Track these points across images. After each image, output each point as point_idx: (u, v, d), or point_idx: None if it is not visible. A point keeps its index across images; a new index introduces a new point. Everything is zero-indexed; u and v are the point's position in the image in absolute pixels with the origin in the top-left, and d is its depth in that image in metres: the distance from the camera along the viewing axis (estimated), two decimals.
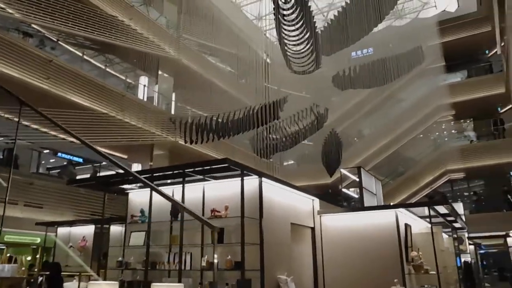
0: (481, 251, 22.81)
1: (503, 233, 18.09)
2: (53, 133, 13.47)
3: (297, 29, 12.00)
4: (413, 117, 24.42)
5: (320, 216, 7.10)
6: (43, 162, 17.40)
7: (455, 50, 23.01)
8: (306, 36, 12.25)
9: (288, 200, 6.38)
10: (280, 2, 11.54)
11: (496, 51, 23.14)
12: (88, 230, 10.36)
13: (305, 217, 6.88)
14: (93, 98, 13.61)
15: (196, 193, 5.73)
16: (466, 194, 26.08)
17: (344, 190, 12.05)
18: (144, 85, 16.93)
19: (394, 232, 6.53)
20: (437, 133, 27.14)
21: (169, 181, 5.96)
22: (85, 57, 17.94)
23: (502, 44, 20.01)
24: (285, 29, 12.02)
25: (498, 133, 22.84)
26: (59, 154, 16.79)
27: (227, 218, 5.34)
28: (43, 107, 11.96)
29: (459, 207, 14.87)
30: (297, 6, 11.66)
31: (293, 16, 11.76)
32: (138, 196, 6.45)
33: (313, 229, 7.06)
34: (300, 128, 15.35)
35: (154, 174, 5.69)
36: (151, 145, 16.72)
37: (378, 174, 26.46)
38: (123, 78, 19.43)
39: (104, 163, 19.38)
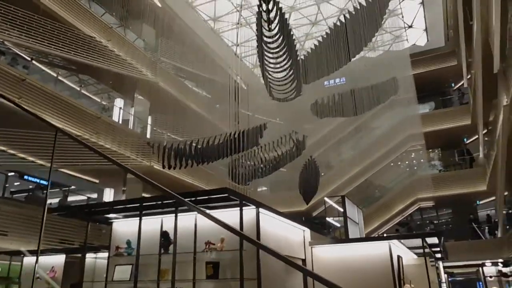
0: (450, 279, 23.16)
1: (479, 262, 18.39)
2: (21, 155, 12.83)
3: (280, 56, 12.08)
4: (384, 145, 24.99)
5: (312, 247, 6.93)
6: (6, 185, 16.43)
7: (423, 82, 23.90)
8: (288, 64, 12.35)
9: (280, 231, 6.19)
10: (264, 30, 11.62)
11: (463, 84, 24.25)
12: (58, 260, 9.71)
13: (296, 249, 6.68)
14: (67, 120, 13.09)
15: (188, 222, 5.42)
16: (435, 222, 26.63)
17: (327, 219, 11.95)
18: (120, 108, 16.48)
19: (388, 263, 6.44)
20: (406, 162, 27.81)
21: (158, 209, 5.64)
22: (59, 77, 17.43)
23: (469, 76, 20.99)
24: (268, 56, 12.07)
25: (465, 163, 23.62)
26: (25, 176, 15.91)
27: (223, 252, 5.07)
28: (13, 127, 11.44)
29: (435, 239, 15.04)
30: (281, 34, 11.78)
31: (276, 43, 11.86)
32: (123, 226, 6.06)
33: (304, 260, 6.86)
34: (279, 155, 15.30)
35: (143, 204, 5.37)
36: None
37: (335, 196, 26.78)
38: (98, 100, 18.93)
39: (73, 187, 18.57)
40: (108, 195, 15.69)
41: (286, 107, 20.29)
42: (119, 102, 16.98)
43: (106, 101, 19.38)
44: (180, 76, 20.60)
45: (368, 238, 7.85)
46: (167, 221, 5.54)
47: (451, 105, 25.65)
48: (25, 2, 12.37)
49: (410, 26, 21.42)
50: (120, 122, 16.57)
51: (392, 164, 26.08)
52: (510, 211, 19.24)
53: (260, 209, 5.23)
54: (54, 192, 16.77)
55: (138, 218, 5.56)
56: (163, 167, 12.50)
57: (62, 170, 15.16)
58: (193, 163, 12.81)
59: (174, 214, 5.31)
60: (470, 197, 22.88)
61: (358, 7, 12.29)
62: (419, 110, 25.62)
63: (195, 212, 5.40)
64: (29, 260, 10.15)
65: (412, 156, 27.42)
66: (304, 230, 7.01)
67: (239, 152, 13.64)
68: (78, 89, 20.15)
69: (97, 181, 16.61)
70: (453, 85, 25.94)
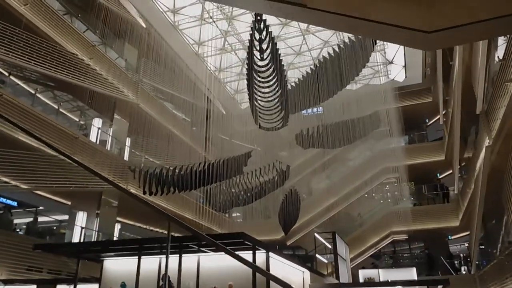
0: None
1: None
2: None
3: (271, 86, 12.00)
4: (359, 177, 25.19)
5: None
6: None
7: (398, 117, 24.43)
8: (278, 93, 12.28)
9: (282, 273, 5.88)
10: (255, 59, 11.54)
11: (437, 120, 24.94)
12: None
13: None
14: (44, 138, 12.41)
15: (189, 264, 5.04)
16: (406, 255, 26.83)
17: (318, 255, 11.67)
18: (98, 128, 15.87)
19: None
20: (380, 194, 28.09)
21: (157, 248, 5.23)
22: (31, 90, 16.72)
23: (444, 112, 21.60)
24: (258, 85, 11.96)
25: (438, 198, 24.05)
26: None
27: None
28: None
29: (412, 271, 15.04)
30: (272, 64, 11.73)
31: (267, 73, 11.78)
32: (115, 265, 5.59)
33: None
34: (261, 183, 15.07)
35: (143, 245, 4.95)
36: (100, 192, 15.47)
37: (324, 232, 26.66)
38: (75, 118, 18.24)
39: (41, 208, 17.58)
40: (81, 219, 14.88)
41: (262, 134, 20.23)
42: (97, 122, 16.35)
43: (80, 119, 18.69)
44: (160, 97, 20.21)
45: (373, 283, 7.62)
46: (163, 261, 5.13)
47: (425, 140, 26.30)
48: (6, 15, 11.85)
49: (391, 62, 22.03)
50: (98, 142, 15.94)
51: (366, 195, 26.27)
52: (482, 247, 19.50)
53: (271, 253, 4.93)
54: (23, 213, 15.84)
55: (132, 257, 5.12)
56: (144, 193, 11.98)
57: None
58: (175, 190, 12.35)
59: (174, 254, 4.91)
60: (442, 231, 23.20)
61: (347, 42, 12.45)
62: (394, 143, 26.14)
63: (198, 254, 5.03)
64: None
65: (387, 188, 27.75)
66: (303, 272, 6.71)
67: (223, 180, 13.32)
68: (53, 105, 19.40)
69: (69, 202, 15.77)
70: (427, 120, 26.66)
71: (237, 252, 5.02)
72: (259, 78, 11.74)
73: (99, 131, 15.75)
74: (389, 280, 11.09)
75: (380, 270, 14.46)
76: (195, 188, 12.78)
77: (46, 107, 19.07)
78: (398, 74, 22.61)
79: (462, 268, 24.50)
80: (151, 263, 5.13)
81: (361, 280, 12.98)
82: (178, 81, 19.26)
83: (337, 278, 8.31)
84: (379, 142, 24.93)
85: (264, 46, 11.36)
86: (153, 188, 12.05)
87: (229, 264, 4.80)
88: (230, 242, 4.66)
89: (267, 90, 11.90)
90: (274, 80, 11.88)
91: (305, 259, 13.68)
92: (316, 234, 11.30)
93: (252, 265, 2.03)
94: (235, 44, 20.28)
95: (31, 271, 11.47)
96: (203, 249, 4.88)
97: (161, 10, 18.63)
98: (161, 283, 4.73)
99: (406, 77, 22.31)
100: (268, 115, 12.76)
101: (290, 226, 16.49)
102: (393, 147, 25.40)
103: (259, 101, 12.39)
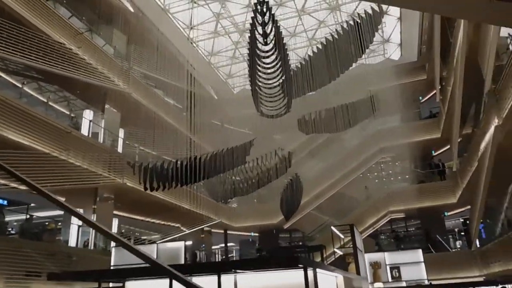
0: None
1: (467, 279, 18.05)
2: None
3: (274, 72, 11.45)
4: (355, 157, 25.05)
5: None
6: None
7: (393, 95, 24.16)
8: (281, 79, 11.75)
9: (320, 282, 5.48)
10: (259, 45, 10.95)
11: (431, 97, 24.78)
12: None
13: None
14: (32, 135, 11.65)
15: (227, 285, 4.56)
16: (404, 232, 27.01)
17: (336, 249, 11.36)
18: (90, 120, 15.13)
19: None
20: (375, 173, 28.05)
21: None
22: (15, 83, 15.86)
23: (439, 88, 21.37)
24: (261, 72, 11.40)
25: (435, 176, 24.08)
26: None
27: None
28: None
29: (418, 253, 14.94)
30: (276, 49, 11.17)
31: (271, 58, 11.22)
32: (138, 286, 5.11)
33: None
34: (263, 171, 14.66)
35: (192, 274, 4.42)
36: (95, 187, 14.87)
37: (322, 214, 26.60)
38: (62, 109, 17.42)
39: (33, 204, 16.88)
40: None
41: (255, 118, 19.69)
42: (88, 114, 15.59)
43: (71, 112, 17.90)
44: (150, 84, 19.44)
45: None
46: (197, 281, 4.67)
47: (419, 118, 26.17)
48: None
49: (387, 41, 21.59)
50: (90, 135, 15.23)
51: (361, 175, 26.18)
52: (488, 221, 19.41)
53: (318, 270, 4.51)
54: (14, 210, 15.16)
55: (155, 278, 4.64)
56: (145, 189, 11.42)
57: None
58: (177, 184, 11.83)
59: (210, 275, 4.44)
60: (439, 208, 23.30)
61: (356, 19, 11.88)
62: (389, 123, 25.97)
63: (234, 274, 4.58)
64: None
65: (382, 167, 27.71)
66: (336, 276, 6.31)
67: (226, 171, 12.86)
68: (38, 96, 18.51)
69: (63, 199, 15.13)
70: (420, 98, 26.47)
71: (265, 271, 4.59)
72: (262, 64, 11.17)
73: (91, 123, 15.00)
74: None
75: (385, 253, 14.28)
76: (199, 180, 12.26)
77: (31, 98, 18.17)
78: (393, 52, 22.22)
79: (457, 243, 24.84)
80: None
81: (367, 265, 12.78)
82: (169, 66, 18.49)
83: (358, 272, 8.02)
84: (374, 122, 24.70)
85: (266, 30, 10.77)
86: (154, 184, 11.48)
87: (265, 284, 4.37)
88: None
89: (271, 76, 11.35)
90: (278, 66, 11.34)
91: (310, 249, 13.40)
92: (333, 228, 10.96)
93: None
94: (229, 27, 19.51)
95: (30, 276, 10.96)
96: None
97: None
98: None
99: (401, 55, 21.94)
100: (271, 102, 12.24)
101: (292, 213, 16.21)
102: (389, 126, 25.27)
103: (262, 88, 11.84)
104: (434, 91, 22.87)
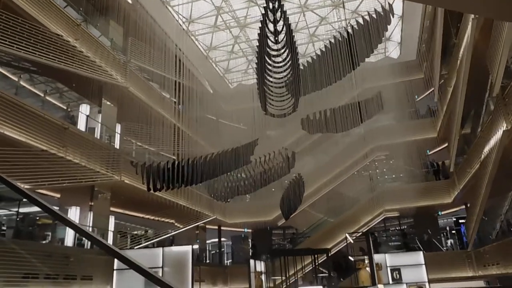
0: None
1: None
2: None
3: (284, 71, 11.14)
4: (350, 156, 24.95)
5: None
6: None
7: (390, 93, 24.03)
8: (290, 78, 11.45)
9: None
10: (270, 43, 10.60)
11: (427, 96, 24.76)
12: None
13: None
14: (29, 132, 11.12)
15: None
16: (395, 229, 27.13)
17: (350, 257, 11.17)
18: (87, 115, 14.60)
19: None
20: (370, 171, 28.03)
21: None
22: (8, 75, 15.19)
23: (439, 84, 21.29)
24: (270, 71, 11.07)
25: (429, 175, 24.16)
26: None
27: None
28: None
29: (419, 255, 14.94)
30: (286, 48, 10.85)
31: (281, 58, 10.89)
32: None
33: None
34: (266, 171, 14.40)
35: None
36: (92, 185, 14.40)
37: (315, 211, 26.50)
38: (54, 101, 16.80)
39: (24, 200, 16.31)
40: (74, 214, 13.82)
41: (248, 113, 19.35)
42: (84, 109, 15.04)
43: (58, 101, 17.28)
44: (147, 78, 18.91)
45: None
46: None
47: (415, 117, 26.17)
48: None
49: (388, 39, 21.42)
50: (86, 131, 14.70)
51: (356, 173, 26.13)
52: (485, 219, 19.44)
53: None
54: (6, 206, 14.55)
55: None
56: (148, 190, 11.05)
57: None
58: (182, 185, 11.48)
59: None
60: (434, 207, 23.42)
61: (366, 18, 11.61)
62: (385, 121, 25.86)
63: None
64: None
65: (376, 164, 27.69)
66: None
67: (231, 171, 12.57)
68: (29, 87, 17.82)
69: (58, 195, 14.61)
70: (416, 97, 26.44)
71: None
72: (272, 64, 10.84)
73: (88, 118, 14.46)
74: None
75: (386, 255, 14.20)
76: (202, 181, 11.94)
77: (22, 90, 17.48)
78: (393, 51, 22.08)
79: (449, 242, 25.01)
80: None
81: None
82: (166, 60, 17.97)
83: (374, 283, 7.83)
84: (370, 120, 24.56)
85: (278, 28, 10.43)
86: (157, 185, 11.11)
87: None
88: None
89: (281, 75, 11.04)
90: (288, 65, 11.03)
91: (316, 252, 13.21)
92: (347, 235, 10.76)
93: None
94: (229, 21, 19.03)
95: (28, 278, 10.54)
96: None
97: None
98: None
99: (400, 53, 21.81)
100: (279, 102, 11.92)
101: (291, 213, 16.02)
102: (385, 125, 25.18)
103: (270, 88, 11.50)
104: (430, 90, 22.86)
